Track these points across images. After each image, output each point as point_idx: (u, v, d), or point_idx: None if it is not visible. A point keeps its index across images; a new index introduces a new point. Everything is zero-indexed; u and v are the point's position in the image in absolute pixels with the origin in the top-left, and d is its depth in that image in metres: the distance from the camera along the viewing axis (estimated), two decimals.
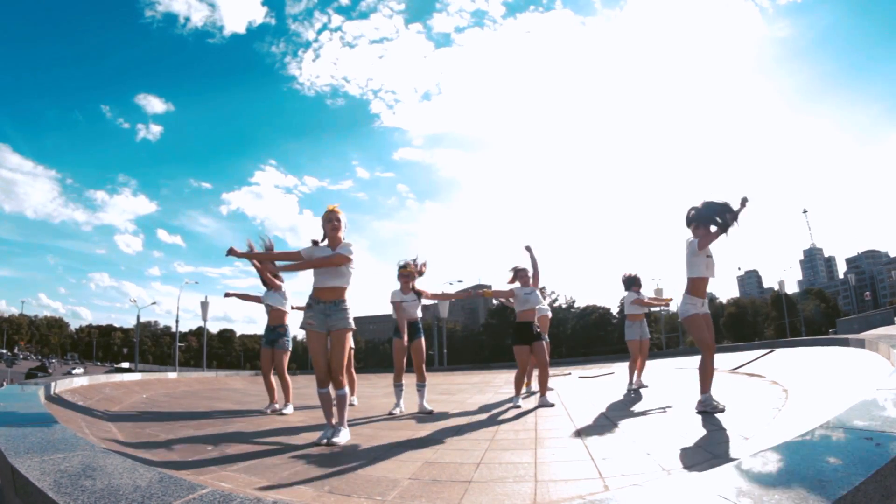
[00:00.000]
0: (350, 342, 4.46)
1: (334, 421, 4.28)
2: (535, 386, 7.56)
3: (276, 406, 6.56)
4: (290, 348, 6.82)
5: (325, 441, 4.10)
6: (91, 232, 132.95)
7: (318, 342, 4.27)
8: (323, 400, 4.29)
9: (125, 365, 64.93)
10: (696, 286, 5.02)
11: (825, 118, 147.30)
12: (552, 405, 6.00)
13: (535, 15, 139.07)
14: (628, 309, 7.95)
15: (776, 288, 48.22)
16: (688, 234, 5.08)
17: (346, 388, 4.31)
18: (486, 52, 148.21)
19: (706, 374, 4.84)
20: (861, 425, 2.20)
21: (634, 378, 7.73)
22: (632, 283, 7.92)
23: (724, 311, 74.05)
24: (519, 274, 6.64)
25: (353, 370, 7.17)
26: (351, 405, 6.82)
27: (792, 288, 61.72)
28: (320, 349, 4.27)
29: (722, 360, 7.71)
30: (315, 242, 4.52)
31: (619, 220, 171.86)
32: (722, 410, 4.60)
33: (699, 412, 4.67)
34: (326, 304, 4.29)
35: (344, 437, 4.20)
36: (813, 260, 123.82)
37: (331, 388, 4.24)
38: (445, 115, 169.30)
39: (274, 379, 6.71)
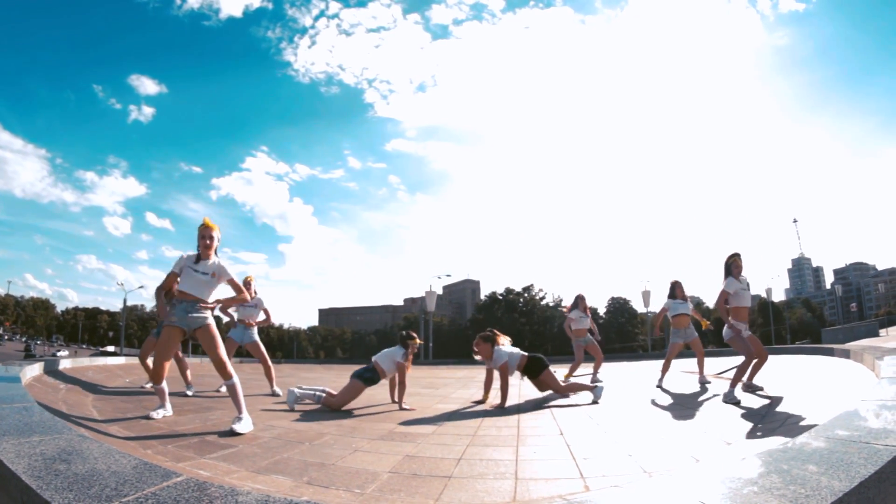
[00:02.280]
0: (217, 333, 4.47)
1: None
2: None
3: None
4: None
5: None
6: (80, 213, 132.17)
7: (171, 337, 4.45)
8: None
9: (111, 349, 64.49)
10: (738, 313, 5.72)
11: (820, 128, 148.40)
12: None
13: (534, 11, 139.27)
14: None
15: (763, 295, 48.47)
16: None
17: (235, 378, 4.35)
18: (484, 46, 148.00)
19: (738, 374, 5.55)
20: (845, 435, 2.20)
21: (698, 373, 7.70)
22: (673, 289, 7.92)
23: (710, 315, 74.56)
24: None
25: (265, 355, 7.47)
26: (275, 394, 6.96)
27: (779, 296, 62.26)
28: (173, 344, 4.52)
29: (706, 365, 7.75)
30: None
31: (609, 220, 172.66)
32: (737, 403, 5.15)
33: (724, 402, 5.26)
34: (189, 303, 4.40)
35: (243, 427, 4.15)
36: (801, 269, 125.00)
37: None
38: (440, 108, 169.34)
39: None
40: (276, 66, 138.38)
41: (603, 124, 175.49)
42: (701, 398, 6.05)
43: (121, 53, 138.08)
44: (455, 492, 2.63)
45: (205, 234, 4.50)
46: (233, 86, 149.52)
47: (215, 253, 4.58)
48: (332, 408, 5.63)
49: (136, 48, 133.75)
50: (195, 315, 4.37)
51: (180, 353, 7.07)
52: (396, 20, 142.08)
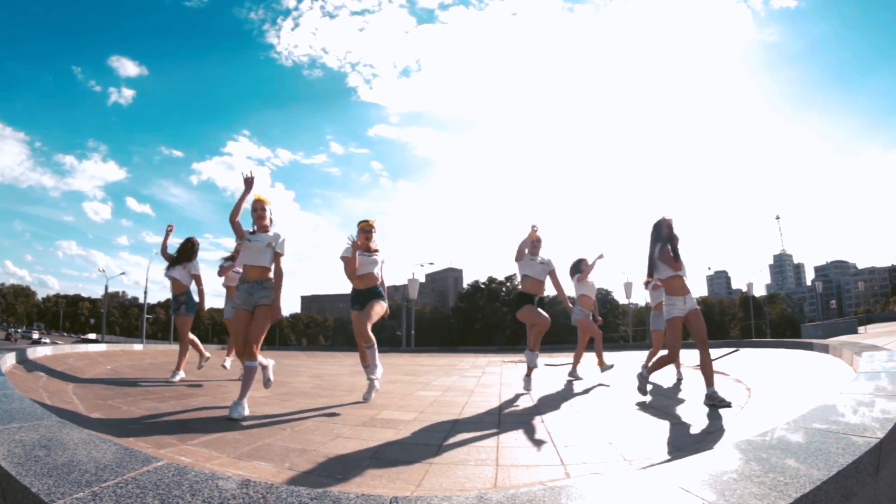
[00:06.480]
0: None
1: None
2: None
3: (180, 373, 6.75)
4: (192, 314, 6.98)
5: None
6: (59, 198, 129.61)
7: (240, 319, 4.54)
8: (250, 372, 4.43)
9: (92, 336, 63.72)
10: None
11: (806, 126, 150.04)
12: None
13: None
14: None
15: (744, 290, 49.15)
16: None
17: (257, 360, 4.49)
18: (470, 31, 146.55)
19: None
20: (823, 427, 2.25)
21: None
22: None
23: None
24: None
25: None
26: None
27: (760, 291, 62.95)
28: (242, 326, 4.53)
29: (687, 357, 7.83)
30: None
31: (592, 209, 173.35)
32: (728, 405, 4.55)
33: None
34: (251, 283, 4.55)
35: (239, 412, 4.16)
36: (782, 265, 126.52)
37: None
38: (424, 94, 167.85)
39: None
40: (258, 49, 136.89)
41: (588, 115, 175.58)
42: (682, 390, 6.12)
43: (101, 34, 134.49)
44: (436, 478, 2.65)
45: (256, 206, 4.70)
46: (214, 68, 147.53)
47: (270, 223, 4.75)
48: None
49: (116, 29, 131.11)
50: (259, 294, 4.51)
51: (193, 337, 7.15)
52: (381, 3, 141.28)
